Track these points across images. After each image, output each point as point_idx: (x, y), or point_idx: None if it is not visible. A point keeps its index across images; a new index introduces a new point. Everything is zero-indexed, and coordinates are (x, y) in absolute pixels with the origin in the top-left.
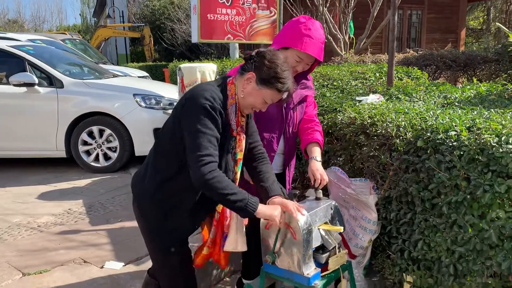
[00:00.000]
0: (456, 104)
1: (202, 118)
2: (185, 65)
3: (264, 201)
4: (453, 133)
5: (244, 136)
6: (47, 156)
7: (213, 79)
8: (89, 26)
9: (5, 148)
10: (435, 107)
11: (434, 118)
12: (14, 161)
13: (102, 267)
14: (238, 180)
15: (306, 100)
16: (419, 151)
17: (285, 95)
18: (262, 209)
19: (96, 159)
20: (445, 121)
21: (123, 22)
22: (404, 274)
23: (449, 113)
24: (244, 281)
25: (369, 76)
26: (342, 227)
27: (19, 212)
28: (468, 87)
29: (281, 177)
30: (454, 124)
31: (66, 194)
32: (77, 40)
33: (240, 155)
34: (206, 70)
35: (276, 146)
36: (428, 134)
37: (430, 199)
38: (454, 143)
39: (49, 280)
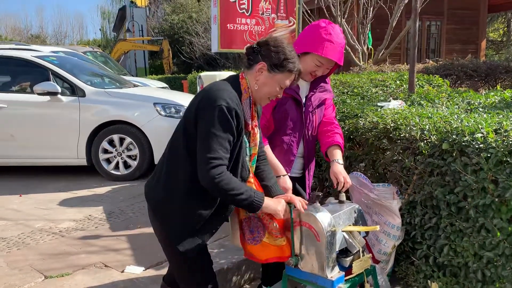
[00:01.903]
0: (480, 109)
1: (216, 120)
2: (205, 74)
3: None
4: (480, 135)
5: (258, 130)
6: (68, 164)
7: None
8: (109, 40)
9: (28, 156)
10: (459, 112)
11: (459, 121)
12: (36, 168)
13: (122, 271)
14: (252, 173)
15: (325, 103)
16: (444, 154)
17: (296, 76)
18: (267, 204)
19: (116, 167)
20: (470, 124)
21: (142, 36)
22: (429, 281)
23: (474, 117)
24: None
25: (390, 84)
26: (378, 226)
27: (41, 217)
28: (492, 93)
29: (301, 181)
30: (480, 126)
31: (87, 201)
32: (98, 53)
33: (254, 150)
34: None
35: (296, 150)
36: (454, 136)
37: (456, 203)
38: (480, 145)
39: (70, 283)
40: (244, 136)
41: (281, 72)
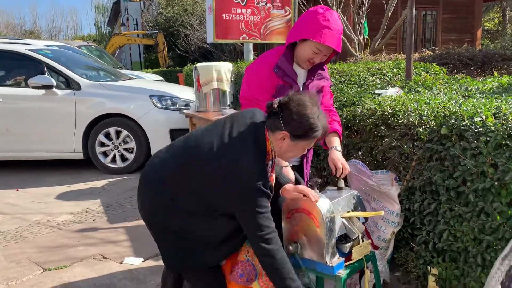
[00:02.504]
0: (478, 94)
1: (258, 200)
2: (201, 64)
3: (276, 191)
4: (479, 119)
5: (274, 178)
6: (64, 158)
7: (228, 78)
8: (104, 35)
9: (24, 150)
10: (457, 97)
11: (457, 106)
12: (32, 163)
13: (121, 263)
14: None
15: (323, 91)
16: (443, 139)
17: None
18: None
19: (113, 160)
20: (469, 108)
21: (137, 30)
22: (428, 267)
23: (472, 102)
24: None
25: (387, 72)
26: (382, 211)
27: (38, 211)
28: (490, 79)
29: (299, 169)
30: (479, 110)
31: (84, 194)
32: (93, 47)
33: None
34: (222, 69)
35: None
36: (452, 121)
37: (455, 188)
38: (480, 129)
39: (69, 275)
40: None
41: (305, 140)
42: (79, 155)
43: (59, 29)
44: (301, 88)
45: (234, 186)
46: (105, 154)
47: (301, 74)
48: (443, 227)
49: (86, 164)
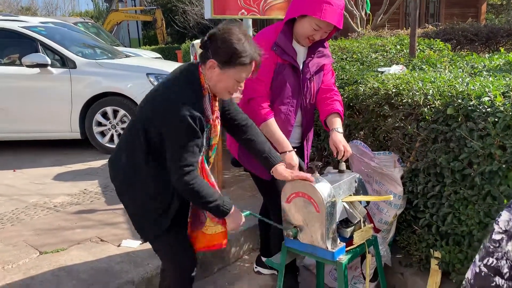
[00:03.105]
0: (485, 72)
1: (183, 134)
2: (198, 41)
3: (268, 171)
4: (487, 98)
5: (219, 121)
6: (61, 138)
7: None
8: (102, 11)
9: (20, 131)
10: (463, 75)
11: (464, 85)
12: (29, 143)
13: (119, 246)
14: (211, 163)
15: (324, 69)
16: (449, 120)
17: (253, 66)
18: (232, 215)
19: (111, 140)
20: (476, 87)
21: (135, 6)
22: (431, 250)
23: (479, 80)
24: (263, 258)
25: (390, 49)
26: (391, 196)
27: (35, 192)
28: (496, 56)
29: (299, 151)
30: (487, 89)
31: (82, 175)
32: (90, 24)
33: (214, 140)
34: None
35: (294, 119)
36: (459, 101)
37: (460, 170)
38: (488, 109)
39: (66, 259)
40: (206, 128)
41: (233, 67)
42: (76, 135)
43: (56, 5)
44: (301, 67)
45: (164, 120)
46: (102, 134)
47: (300, 52)
48: (447, 210)
49: (84, 144)
